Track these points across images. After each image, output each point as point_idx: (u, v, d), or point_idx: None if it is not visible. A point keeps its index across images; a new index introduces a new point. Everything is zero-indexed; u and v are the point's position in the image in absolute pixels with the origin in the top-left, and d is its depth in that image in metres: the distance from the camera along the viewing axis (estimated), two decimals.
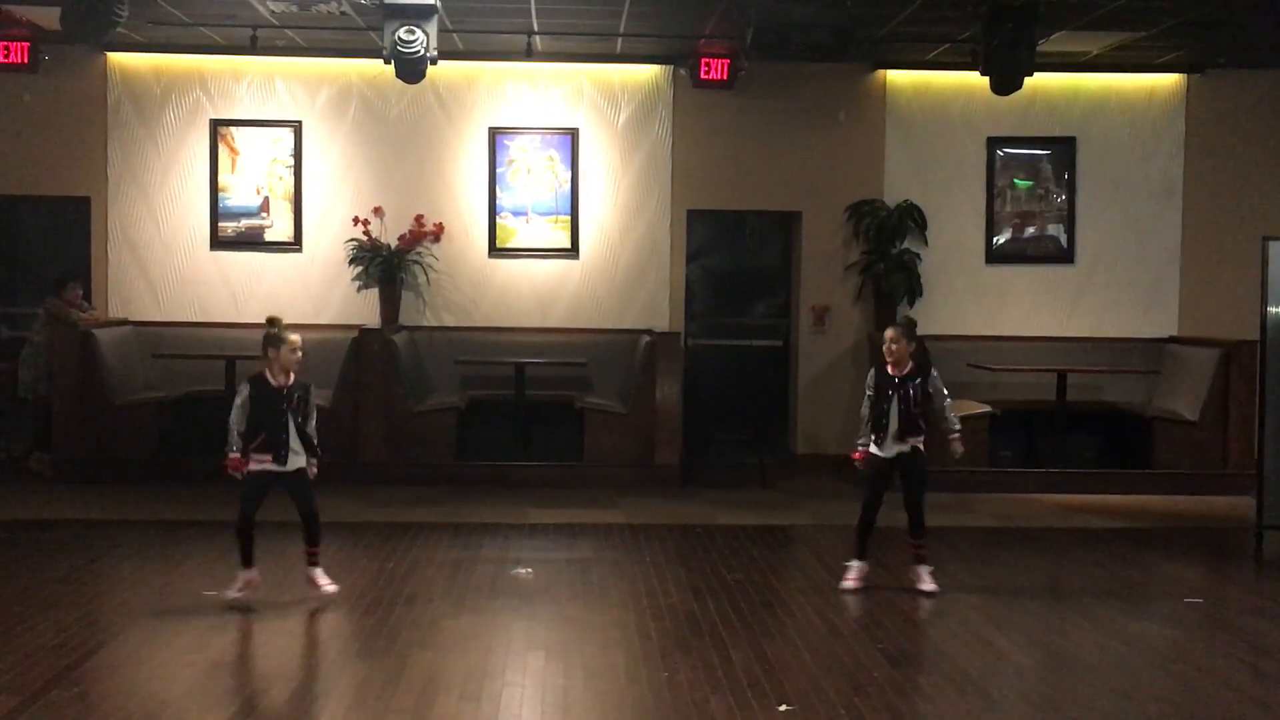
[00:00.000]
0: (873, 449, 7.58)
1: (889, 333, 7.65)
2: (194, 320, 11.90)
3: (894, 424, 7.50)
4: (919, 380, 7.57)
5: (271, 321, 7.13)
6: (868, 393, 7.64)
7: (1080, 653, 6.45)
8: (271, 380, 7.02)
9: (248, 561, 7.05)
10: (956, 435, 7.68)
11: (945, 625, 7.00)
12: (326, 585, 7.09)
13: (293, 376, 7.06)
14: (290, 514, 7.13)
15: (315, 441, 7.09)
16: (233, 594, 7.00)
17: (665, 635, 6.58)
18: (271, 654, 6.31)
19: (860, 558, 7.66)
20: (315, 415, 7.14)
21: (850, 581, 7.60)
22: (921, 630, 6.94)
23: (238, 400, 6.99)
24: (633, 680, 5.86)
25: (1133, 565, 8.53)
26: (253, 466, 6.97)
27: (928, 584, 7.55)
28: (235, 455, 6.96)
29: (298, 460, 7.01)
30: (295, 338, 7.05)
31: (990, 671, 6.09)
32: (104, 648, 6.25)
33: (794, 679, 5.89)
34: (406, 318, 11.95)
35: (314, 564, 7.11)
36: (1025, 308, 12.26)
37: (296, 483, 7.03)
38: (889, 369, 7.59)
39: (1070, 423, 11.36)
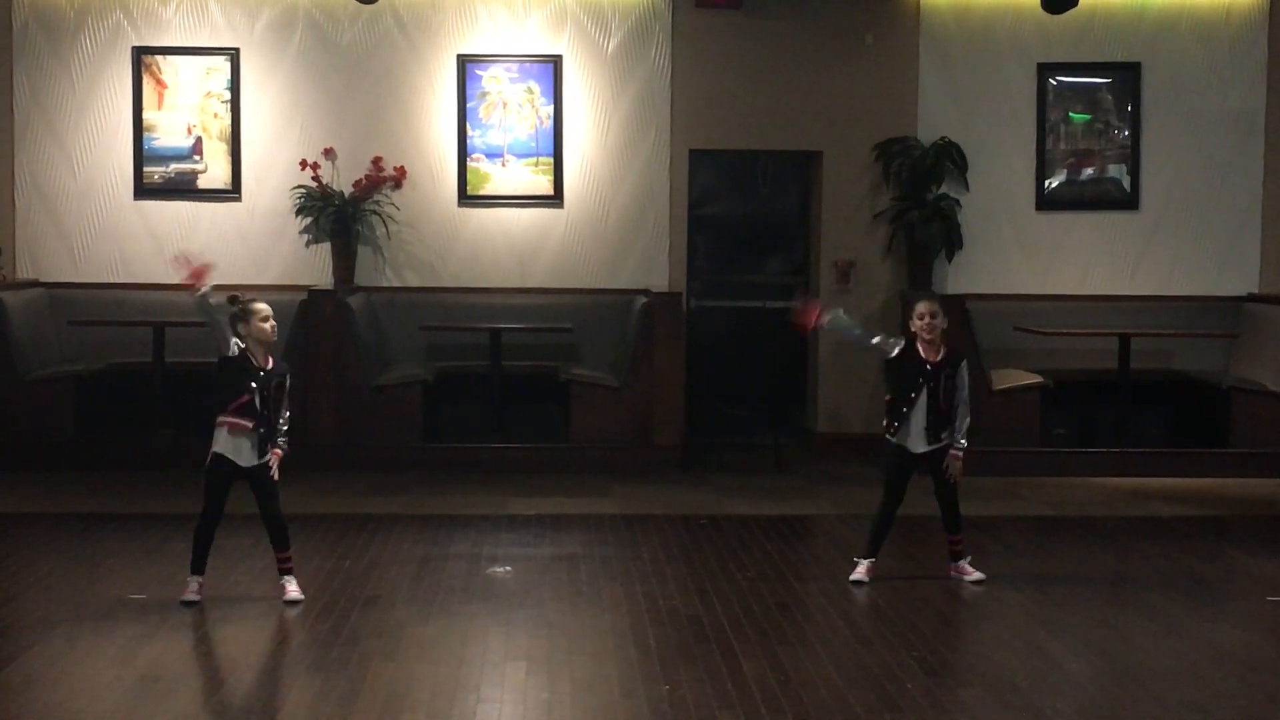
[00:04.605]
0: (895, 440, 7.57)
1: (924, 305, 7.54)
2: (116, 281, 11.87)
3: (921, 420, 7.47)
4: (954, 370, 7.51)
5: (232, 300, 7.23)
6: (891, 340, 7.60)
7: (1145, 660, 6.47)
8: (254, 360, 7.10)
9: (198, 570, 7.22)
10: (960, 452, 7.57)
11: (989, 629, 7.03)
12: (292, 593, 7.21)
13: (271, 361, 7.17)
14: (236, 508, 7.18)
15: (284, 431, 7.23)
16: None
17: (666, 643, 6.60)
18: (210, 666, 6.32)
19: (871, 556, 7.68)
20: (288, 407, 7.26)
21: (862, 574, 7.64)
22: (962, 635, 6.96)
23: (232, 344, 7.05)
24: (628, 695, 5.87)
25: (1206, 559, 8.55)
26: (229, 420, 7.04)
27: (974, 574, 7.64)
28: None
29: (251, 458, 7.10)
30: (263, 305, 7.15)
31: (1042, 682, 6.10)
32: (16, 660, 6.24)
33: (814, 692, 5.90)
34: (363, 277, 11.93)
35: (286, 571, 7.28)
36: (1082, 261, 12.25)
37: (256, 478, 7.15)
38: (921, 351, 7.51)
39: (1134, 395, 11.38)
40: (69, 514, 9.32)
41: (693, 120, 12.10)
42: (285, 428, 7.24)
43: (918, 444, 7.52)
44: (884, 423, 7.64)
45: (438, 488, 10.28)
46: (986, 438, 10.44)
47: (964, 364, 7.61)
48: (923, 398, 7.45)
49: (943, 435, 7.53)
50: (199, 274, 6.95)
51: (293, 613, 7.02)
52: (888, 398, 7.67)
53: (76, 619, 6.88)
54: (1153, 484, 10.72)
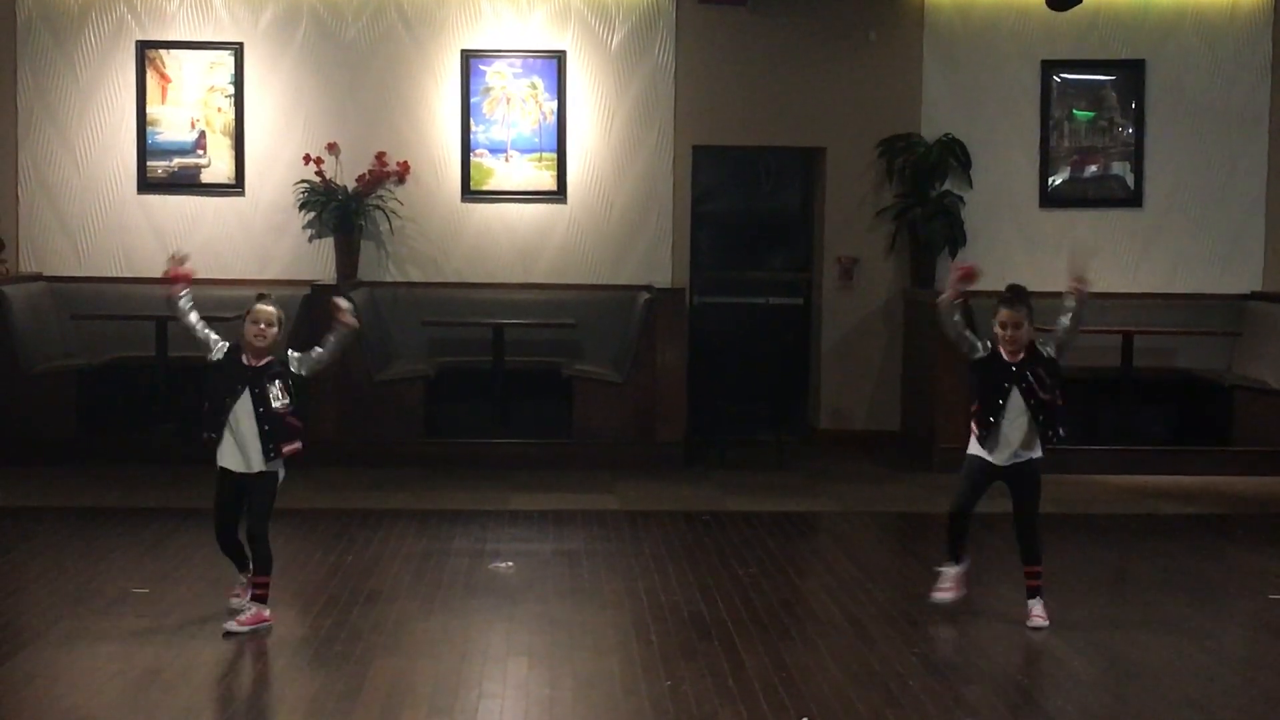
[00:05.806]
0: (978, 449, 7.08)
1: (1006, 313, 6.96)
2: (119, 275, 11.84)
3: (1014, 429, 6.99)
4: (1038, 359, 7.01)
5: (260, 297, 6.84)
6: (977, 343, 7.08)
7: (1148, 659, 6.46)
8: (243, 358, 6.71)
9: (243, 568, 6.86)
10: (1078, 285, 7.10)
11: (992, 628, 7.01)
12: (237, 624, 6.64)
13: (269, 358, 6.74)
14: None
15: (326, 349, 6.87)
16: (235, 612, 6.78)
17: (667, 639, 6.59)
18: (211, 662, 6.30)
19: (956, 560, 7.16)
20: (313, 351, 6.85)
21: (947, 592, 7.11)
22: (965, 633, 6.94)
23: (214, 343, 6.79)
24: (630, 691, 5.86)
25: (1209, 557, 8.55)
26: (219, 462, 6.69)
27: (1040, 619, 6.90)
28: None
29: (257, 462, 6.66)
30: (262, 308, 6.71)
31: (1044, 681, 6.10)
32: (16, 655, 6.24)
33: (816, 689, 5.89)
34: (366, 272, 11.92)
35: (256, 598, 6.73)
36: (1085, 259, 12.22)
37: (253, 490, 6.70)
38: (1004, 354, 7.03)
39: (1137, 392, 11.36)
40: (71, 508, 9.31)
41: (696, 116, 12.08)
42: (332, 339, 6.85)
43: (1003, 455, 7.04)
44: (973, 431, 7.09)
45: (440, 483, 10.27)
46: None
47: (1040, 342, 7.05)
48: (1013, 400, 6.97)
49: (1050, 435, 7.05)
50: (179, 277, 6.82)
51: (289, 609, 7.01)
52: (974, 407, 7.16)
53: (78, 613, 6.88)
54: (1155, 482, 10.71)
